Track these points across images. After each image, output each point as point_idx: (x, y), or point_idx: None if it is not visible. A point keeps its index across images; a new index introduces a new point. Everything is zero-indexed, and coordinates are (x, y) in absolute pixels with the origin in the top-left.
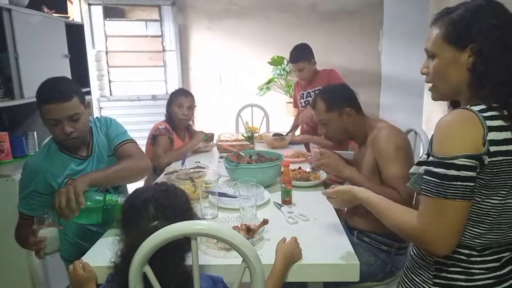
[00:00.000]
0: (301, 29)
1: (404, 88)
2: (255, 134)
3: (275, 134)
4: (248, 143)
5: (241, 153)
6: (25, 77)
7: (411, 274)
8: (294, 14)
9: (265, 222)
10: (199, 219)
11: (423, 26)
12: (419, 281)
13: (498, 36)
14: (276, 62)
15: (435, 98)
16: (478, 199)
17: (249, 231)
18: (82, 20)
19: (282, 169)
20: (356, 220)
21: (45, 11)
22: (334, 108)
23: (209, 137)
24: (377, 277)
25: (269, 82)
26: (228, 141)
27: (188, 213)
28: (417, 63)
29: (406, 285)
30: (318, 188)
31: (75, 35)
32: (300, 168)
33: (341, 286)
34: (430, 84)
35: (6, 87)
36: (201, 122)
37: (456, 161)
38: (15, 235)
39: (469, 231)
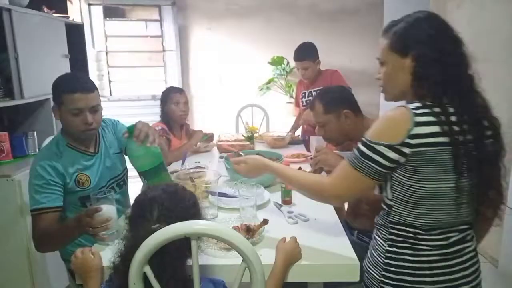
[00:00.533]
0: (301, 29)
1: None
2: (255, 134)
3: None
4: (248, 143)
5: (241, 153)
6: (25, 77)
7: (371, 250)
8: (294, 14)
9: (265, 222)
10: None
11: None
12: (376, 255)
13: (433, 44)
14: (276, 62)
15: (386, 99)
16: (411, 183)
17: (249, 231)
18: (82, 20)
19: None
20: (356, 220)
21: (45, 11)
22: (332, 110)
23: (208, 137)
24: None
25: (269, 82)
26: (228, 141)
27: (194, 218)
28: None
29: (367, 259)
30: None
31: (75, 35)
32: (300, 168)
33: (341, 286)
34: (381, 89)
35: (6, 87)
36: (201, 122)
37: (376, 146)
38: (36, 240)
39: (413, 212)
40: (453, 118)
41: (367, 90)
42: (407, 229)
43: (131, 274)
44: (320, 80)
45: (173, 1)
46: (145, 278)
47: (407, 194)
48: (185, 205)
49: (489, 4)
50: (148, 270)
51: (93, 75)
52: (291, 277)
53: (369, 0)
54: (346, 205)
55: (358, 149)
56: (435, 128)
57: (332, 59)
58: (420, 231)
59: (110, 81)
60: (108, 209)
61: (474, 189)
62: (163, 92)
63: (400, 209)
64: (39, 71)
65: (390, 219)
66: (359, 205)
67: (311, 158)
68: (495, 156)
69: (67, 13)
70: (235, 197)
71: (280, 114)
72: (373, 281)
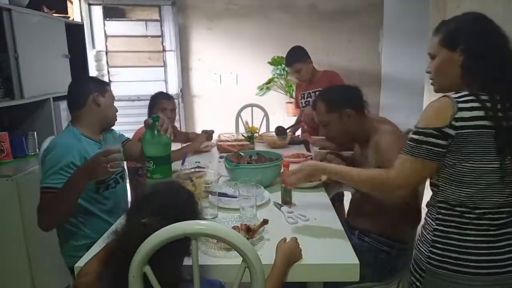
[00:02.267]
0: (301, 29)
1: (404, 88)
2: (255, 134)
3: (277, 128)
4: (248, 143)
5: (241, 153)
6: (25, 77)
7: (421, 229)
8: (294, 14)
9: (265, 222)
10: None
11: (423, 26)
12: (425, 233)
13: (480, 39)
14: (276, 62)
15: (436, 90)
16: (455, 163)
17: (249, 231)
18: (82, 20)
19: (282, 169)
20: (357, 220)
21: (45, 11)
22: (334, 109)
23: (209, 134)
24: (377, 277)
25: (269, 82)
26: (228, 141)
27: (190, 216)
28: (417, 63)
29: (418, 237)
30: (318, 189)
31: (75, 35)
32: None
33: (341, 286)
34: (431, 81)
35: (6, 87)
36: (201, 122)
37: (425, 131)
38: (40, 218)
39: (458, 191)
40: (498, 106)
41: (367, 90)
42: (454, 208)
43: (131, 274)
44: (318, 81)
45: (173, 1)
46: (145, 278)
47: (452, 174)
48: (180, 203)
49: (489, 4)
50: (148, 270)
51: (93, 75)
52: (291, 277)
53: (369, 0)
54: (346, 205)
55: (412, 139)
56: (479, 113)
57: (332, 59)
58: (466, 210)
59: (110, 81)
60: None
61: None
62: (151, 97)
63: (446, 189)
64: (39, 71)
65: (438, 199)
66: (360, 205)
67: (311, 158)
68: None
69: (67, 13)
70: (235, 197)
71: (280, 114)
72: (421, 256)
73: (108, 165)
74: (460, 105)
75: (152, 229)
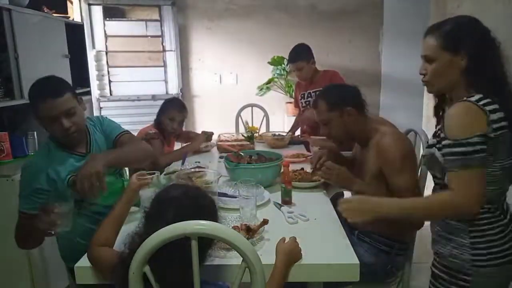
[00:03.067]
0: (301, 29)
1: (404, 88)
2: (255, 134)
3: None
4: (248, 143)
5: (241, 153)
6: (25, 77)
7: (447, 237)
8: (294, 14)
9: (265, 222)
10: None
11: (423, 26)
12: (457, 238)
13: (481, 42)
14: (276, 62)
15: (431, 91)
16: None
17: (249, 231)
18: (82, 20)
19: (282, 169)
20: None
21: (45, 11)
22: (335, 107)
23: (208, 136)
24: (377, 277)
25: (269, 82)
26: (228, 141)
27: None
28: (417, 63)
29: (446, 248)
30: (318, 189)
31: (75, 35)
32: (302, 169)
33: (341, 286)
34: (424, 82)
35: (6, 87)
36: (201, 122)
37: (470, 140)
38: (15, 236)
39: (488, 191)
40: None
41: (367, 90)
42: (483, 206)
43: (131, 274)
44: (318, 81)
45: (173, 1)
46: (145, 278)
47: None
48: (202, 210)
49: (489, 4)
50: (148, 270)
51: (93, 75)
52: (291, 277)
53: (369, 0)
54: None
55: (457, 153)
56: (500, 114)
57: (332, 59)
58: (494, 206)
59: (110, 81)
60: (67, 208)
61: None
62: (166, 100)
63: None
64: (39, 71)
65: None
66: None
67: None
68: None
69: (67, 13)
70: (235, 197)
71: (280, 114)
72: (461, 262)
73: (49, 228)
74: (486, 108)
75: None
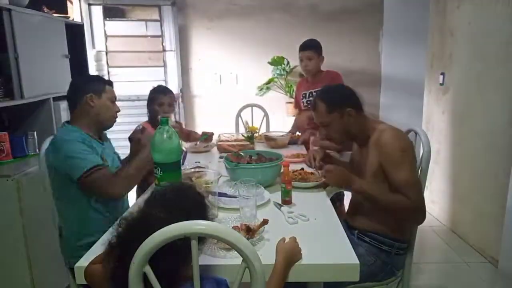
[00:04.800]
0: (301, 29)
1: (404, 88)
2: (255, 134)
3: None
4: (248, 143)
5: (241, 153)
6: (25, 77)
7: None
8: (294, 14)
9: (265, 222)
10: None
11: (423, 26)
12: None
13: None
14: (276, 62)
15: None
16: None
17: (249, 231)
18: (82, 20)
19: (282, 169)
20: (357, 220)
21: (45, 11)
22: (335, 109)
23: (208, 136)
24: (377, 277)
25: (269, 82)
26: (228, 141)
27: (198, 217)
28: (417, 63)
29: None
30: (318, 189)
31: (75, 35)
32: (302, 169)
33: (341, 286)
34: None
35: (6, 87)
36: (201, 122)
37: None
38: (113, 183)
39: None
40: None
41: (367, 90)
42: None
43: (131, 274)
44: (321, 80)
45: (173, 1)
46: (145, 278)
47: None
48: (190, 202)
49: (489, 4)
50: (148, 270)
51: (94, 74)
52: (291, 277)
53: (369, 0)
54: (346, 205)
55: None
56: None
57: (332, 59)
58: None
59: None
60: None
61: None
62: (149, 91)
63: None
64: (39, 71)
65: None
66: (359, 205)
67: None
68: None
69: (67, 13)
70: (235, 197)
71: (280, 114)
72: None
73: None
74: None
75: (157, 221)
